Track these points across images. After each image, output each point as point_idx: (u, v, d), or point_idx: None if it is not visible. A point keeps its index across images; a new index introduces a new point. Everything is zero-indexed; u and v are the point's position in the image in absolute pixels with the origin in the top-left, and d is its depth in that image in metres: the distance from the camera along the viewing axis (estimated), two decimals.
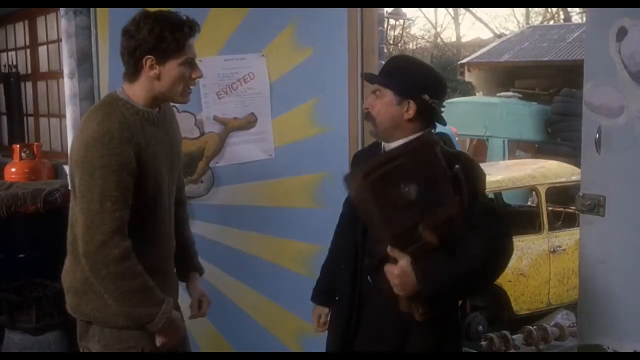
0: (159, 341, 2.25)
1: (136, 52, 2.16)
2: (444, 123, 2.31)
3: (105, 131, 2.09)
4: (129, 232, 2.13)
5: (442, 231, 1.96)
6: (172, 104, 2.46)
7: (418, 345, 2.25)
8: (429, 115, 2.28)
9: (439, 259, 2.02)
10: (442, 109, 2.30)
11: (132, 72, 2.20)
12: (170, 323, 2.22)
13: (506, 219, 2.23)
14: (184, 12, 2.29)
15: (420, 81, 2.27)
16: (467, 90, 17.51)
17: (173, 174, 2.36)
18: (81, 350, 2.38)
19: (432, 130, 2.31)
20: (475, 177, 2.15)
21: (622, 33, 2.35)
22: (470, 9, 26.08)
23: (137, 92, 2.22)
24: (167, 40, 2.14)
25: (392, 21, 12.53)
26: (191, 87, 2.28)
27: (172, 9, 2.30)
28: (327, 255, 2.70)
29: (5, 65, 6.59)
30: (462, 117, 12.05)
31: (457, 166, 2.02)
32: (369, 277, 2.30)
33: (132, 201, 2.13)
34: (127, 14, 3.25)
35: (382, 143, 2.36)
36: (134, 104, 2.21)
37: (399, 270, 2.03)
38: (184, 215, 2.58)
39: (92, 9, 3.35)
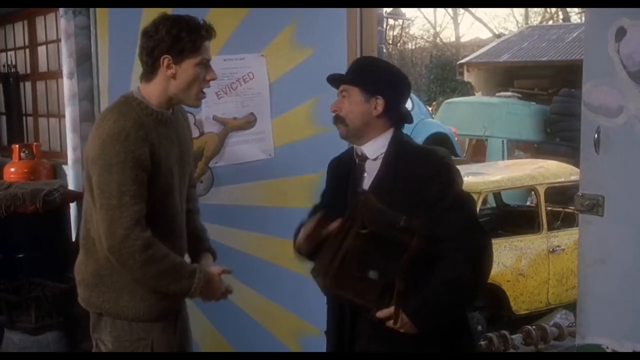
0: (202, 299, 2.36)
1: (154, 51, 2.25)
2: (411, 121, 2.37)
3: (121, 129, 2.17)
4: None
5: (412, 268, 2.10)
6: None
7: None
8: (397, 111, 2.32)
9: (427, 297, 2.13)
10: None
11: (150, 71, 2.29)
12: (207, 285, 2.30)
13: (481, 227, 2.31)
14: (184, 12, 2.32)
15: (386, 77, 2.33)
16: (466, 90, 17.54)
17: (184, 174, 2.42)
18: (94, 343, 2.44)
19: (402, 129, 2.36)
20: (445, 182, 2.20)
21: (621, 33, 2.35)
22: (470, 9, 26.10)
23: (152, 91, 2.30)
24: (184, 40, 2.24)
25: (391, 21, 12.57)
26: (204, 91, 2.35)
27: (183, 11, 2.34)
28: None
29: (4, 65, 6.59)
30: (461, 117, 12.08)
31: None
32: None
33: (146, 197, 2.20)
34: (127, 14, 3.28)
35: (354, 148, 2.37)
36: (148, 104, 2.28)
37: (400, 324, 2.12)
38: (194, 208, 2.62)
39: (91, 9, 3.34)
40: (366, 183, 2.31)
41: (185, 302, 2.49)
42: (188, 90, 2.30)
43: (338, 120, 2.33)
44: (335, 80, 2.39)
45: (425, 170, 2.21)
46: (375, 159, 2.31)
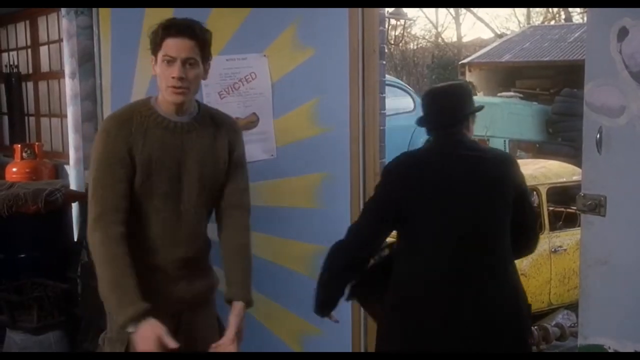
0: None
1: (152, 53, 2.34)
2: None
3: (105, 127, 2.32)
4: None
5: None
6: None
7: None
8: None
9: None
10: None
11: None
12: (137, 331, 2.13)
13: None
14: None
15: None
16: None
17: (189, 182, 2.36)
18: (100, 343, 2.51)
19: None
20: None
21: (623, 33, 2.35)
22: (471, 9, 26.08)
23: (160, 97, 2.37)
24: (152, 38, 2.33)
25: (393, 21, 12.54)
26: (176, 87, 2.29)
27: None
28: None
29: (6, 65, 6.60)
30: None
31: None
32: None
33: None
34: (129, 14, 3.28)
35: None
36: (157, 108, 2.34)
37: None
38: (239, 223, 2.53)
39: (94, 9, 3.34)
40: None
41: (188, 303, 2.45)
42: (160, 85, 2.34)
43: None
44: None
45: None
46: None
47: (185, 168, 2.35)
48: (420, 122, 2.56)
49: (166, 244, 2.35)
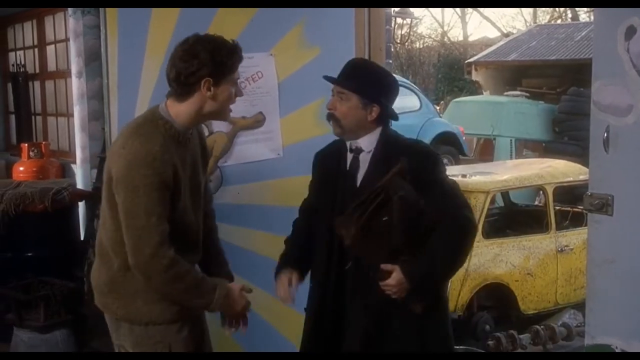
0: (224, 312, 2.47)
1: (195, 74, 2.28)
2: (396, 118, 2.62)
3: (148, 152, 2.23)
4: None
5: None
6: None
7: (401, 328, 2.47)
8: (387, 114, 2.56)
9: (422, 261, 2.37)
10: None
11: (185, 92, 2.33)
12: (227, 301, 2.39)
13: (468, 205, 2.55)
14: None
15: (383, 87, 2.56)
16: (474, 89, 17.51)
17: (198, 191, 2.47)
18: (116, 349, 2.53)
19: (389, 125, 2.62)
20: (426, 166, 2.45)
21: (630, 32, 2.34)
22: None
23: (183, 111, 2.34)
24: (226, 64, 2.31)
25: (399, 20, 12.56)
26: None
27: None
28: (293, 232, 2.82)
29: (13, 65, 6.62)
30: (469, 116, 12.06)
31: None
32: (350, 262, 2.51)
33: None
34: (136, 13, 3.28)
35: (349, 143, 2.57)
36: (174, 123, 2.33)
37: (395, 280, 2.36)
38: (213, 225, 2.73)
39: (101, 9, 3.35)
40: (361, 173, 2.55)
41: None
42: (223, 109, 2.39)
43: (333, 119, 2.55)
44: (336, 82, 2.56)
45: (415, 161, 2.41)
46: (369, 152, 2.55)
47: (196, 180, 2.44)
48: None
49: (188, 253, 2.42)
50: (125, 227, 2.25)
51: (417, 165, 2.39)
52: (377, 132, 2.54)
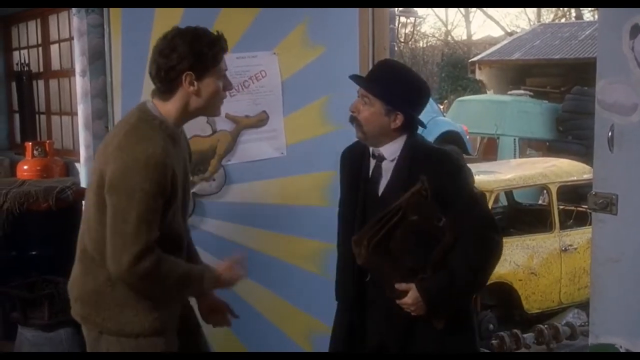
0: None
1: (174, 69, 2.19)
2: (423, 126, 2.51)
3: (149, 156, 2.11)
4: None
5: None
6: None
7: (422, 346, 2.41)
8: (412, 123, 2.44)
9: (440, 279, 2.31)
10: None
11: (168, 89, 2.22)
12: (217, 281, 2.34)
13: (494, 222, 2.44)
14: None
15: (409, 96, 2.41)
16: (477, 88, 17.48)
17: (187, 193, 2.39)
18: None
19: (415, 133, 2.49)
20: (449, 179, 2.34)
21: (635, 30, 2.34)
22: None
23: (170, 109, 2.24)
24: (207, 55, 2.20)
25: (403, 19, 12.53)
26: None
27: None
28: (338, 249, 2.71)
29: (17, 64, 6.62)
30: (473, 116, 12.04)
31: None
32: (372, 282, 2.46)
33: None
34: (140, 12, 3.29)
35: (371, 149, 2.49)
36: (168, 123, 2.23)
37: (411, 299, 2.31)
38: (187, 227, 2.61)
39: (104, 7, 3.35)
40: (383, 182, 2.45)
41: (195, 316, 2.52)
42: (211, 104, 2.28)
43: (355, 122, 2.43)
44: (361, 85, 2.45)
45: (441, 172, 2.32)
46: (392, 160, 2.43)
47: (186, 179, 2.36)
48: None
49: (178, 254, 2.34)
50: (111, 231, 2.12)
51: (440, 178, 2.29)
52: (401, 140, 2.42)
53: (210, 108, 2.31)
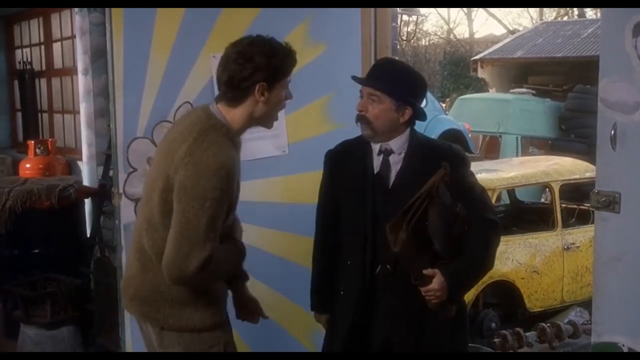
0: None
1: (249, 79, 2.22)
2: (424, 118, 2.61)
3: (221, 164, 2.15)
4: None
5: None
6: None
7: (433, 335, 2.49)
8: (417, 115, 2.56)
9: (459, 263, 2.42)
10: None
11: (238, 97, 2.26)
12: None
13: (493, 208, 2.65)
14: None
15: (415, 89, 2.56)
16: (480, 86, 17.46)
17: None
18: None
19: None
20: (459, 170, 2.47)
21: (638, 28, 2.33)
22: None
23: (236, 116, 2.28)
24: (281, 69, 2.27)
25: (405, 17, 12.51)
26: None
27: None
28: (319, 253, 2.76)
29: (19, 62, 6.64)
30: (475, 114, 12.04)
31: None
32: (387, 266, 2.51)
33: None
34: (142, 11, 3.28)
35: (379, 145, 2.56)
36: (232, 129, 2.27)
37: (437, 284, 2.38)
38: None
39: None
40: (392, 175, 2.53)
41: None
42: (272, 113, 2.34)
43: (363, 121, 2.51)
44: (369, 84, 2.53)
45: (448, 161, 2.41)
46: (400, 153, 2.53)
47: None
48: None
49: None
50: (177, 236, 2.15)
51: (451, 169, 2.38)
52: (407, 133, 2.54)
53: (270, 117, 2.37)
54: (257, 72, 2.22)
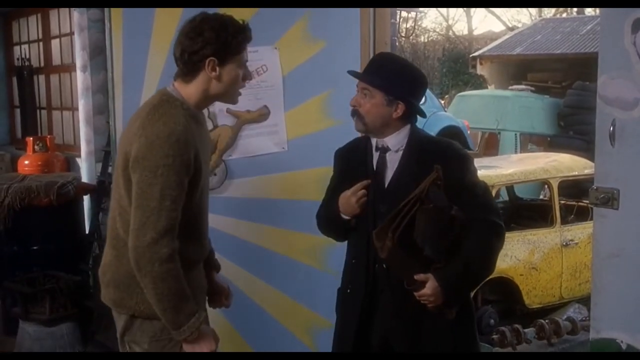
0: (185, 348, 2.26)
1: (198, 53, 2.24)
2: (424, 115, 2.56)
3: (171, 131, 2.15)
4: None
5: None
6: None
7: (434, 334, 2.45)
8: (413, 112, 2.50)
9: (455, 267, 2.34)
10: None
11: (190, 72, 2.28)
12: (197, 337, 2.23)
13: (497, 209, 2.53)
14: (196, 11, 2.33)
15: (409, 84, 2.49)
16: (479, 83, 17.47)
17: (208, 173, 2.43)
18: (127, 346, 2.37)
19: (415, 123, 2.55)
20: (458, 170, 2.40)
21: (637, 25, 2.33)
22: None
23: (191, 92, 2.29)
24: (231, 43, 2.25)
25: (404, 14, 12.51)
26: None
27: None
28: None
29: (18, 59, 6.63)
30: (474, 111, 12.03)
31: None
32: (383, 265, 2.46)
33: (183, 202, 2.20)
34: (142, 8, 3.28)
35: (375, 141, 2.52)
36: (189, 105, 2.28)
37: (430, 289, 2.33)
38: None
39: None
40: (388, 173, 2.49)
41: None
42: (230, 91, 2.33)
43: (356, 115, 2.48)
44: (361, 77, 2.50)
45: (447, 160, 2.37)
46: (397, 151, 2.48)
47: (208, 160, 2.40)
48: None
49: (204, 239, 2.40)
50: (135, 208, 2.14)
51: (449, 168, 2.33)
52: (405, 130, 2.48)
53: (228, 95, 2.36)
54: (207, 46, 2.22)
